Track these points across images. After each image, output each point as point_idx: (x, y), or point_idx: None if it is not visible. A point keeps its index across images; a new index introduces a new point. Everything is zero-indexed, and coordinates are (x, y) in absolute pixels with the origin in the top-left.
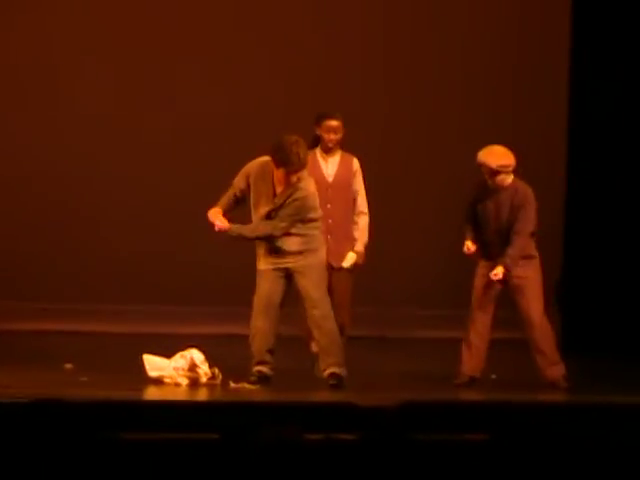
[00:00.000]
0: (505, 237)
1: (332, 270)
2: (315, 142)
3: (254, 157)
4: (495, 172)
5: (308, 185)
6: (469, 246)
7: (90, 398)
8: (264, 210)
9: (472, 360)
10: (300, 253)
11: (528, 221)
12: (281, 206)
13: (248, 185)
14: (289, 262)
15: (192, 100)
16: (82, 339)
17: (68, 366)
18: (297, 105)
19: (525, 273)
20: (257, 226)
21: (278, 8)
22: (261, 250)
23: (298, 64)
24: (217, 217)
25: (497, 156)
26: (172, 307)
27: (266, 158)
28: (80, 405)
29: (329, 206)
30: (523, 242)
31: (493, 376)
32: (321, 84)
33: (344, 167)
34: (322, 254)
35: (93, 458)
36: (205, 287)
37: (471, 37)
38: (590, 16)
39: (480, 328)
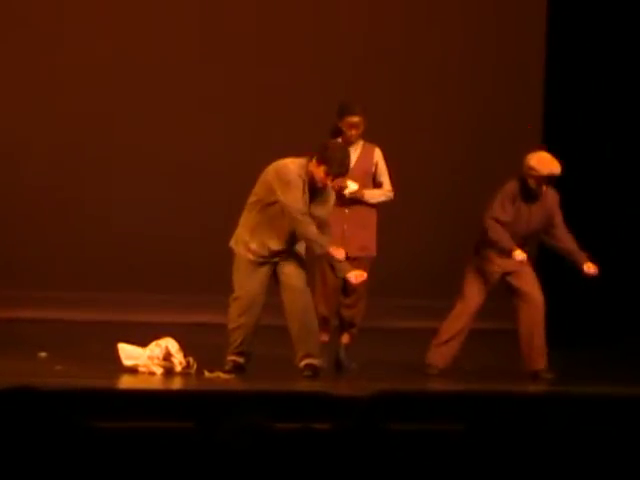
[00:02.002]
0: (527, 240)
1: (348, 259)
2: (336, 133)
3: (257, 148)
4: (547, 180)
5: (333, 194)
6: (522, 255)
7: (64, 386)
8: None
9: (448, 353)
10: (290, 246)
11: (562, 218)
12: (315, 207)
13: (304, 185)
14: (280, 256)
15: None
16: (56, 327)
17: (42, 354)
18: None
19: (523, 264)
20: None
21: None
22: (249, 240)
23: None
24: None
25: (555, 163)
26: (147, 295)
27: (300, 160)
28: (54, 393)
29: (347, 195)
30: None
31: (467, 367)
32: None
33: (365, 157)
34: (303, 245)
35: (67, 447)
36: (181, 275)
37: (448, 37)
38: (566, 16)
39: (464, 328)
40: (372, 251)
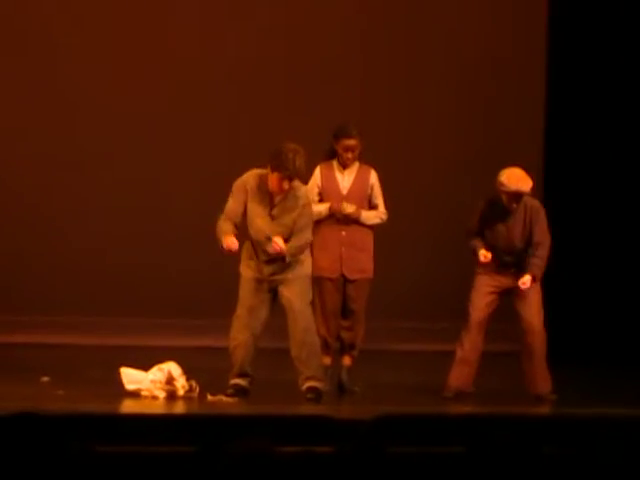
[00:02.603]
0: (515, 252)
1: (346, 282)
2: (332, 154)
3: (247, 163)
4: (515, 196)
5: (307, 193)
6: (486, 254)
7: (66, 411)
8: (261, 222)
9: (464, 374)
10: (286, 266)
11: (545, 232)
12: (282, 220)
13: (247, 198)
14: (276, 273)
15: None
16: (59, 352)
17: (45, 379)
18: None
19: (534, 285)
20: (300, 247)
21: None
22: (247, 257)
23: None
24: (276, 240)
25: (526, 180)
26: (150, 320)
27: (259, 170)
28: (56, 418)
29: (343, 217)
30: (547, 252)
31: (472, 389)
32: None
33: (360, 179)
34: (308, 265)
35: (70, 472)
36: (183, 299)
37: (450, 38)
38: (566, 17)
39: (477, 343)
40: (370, 273)
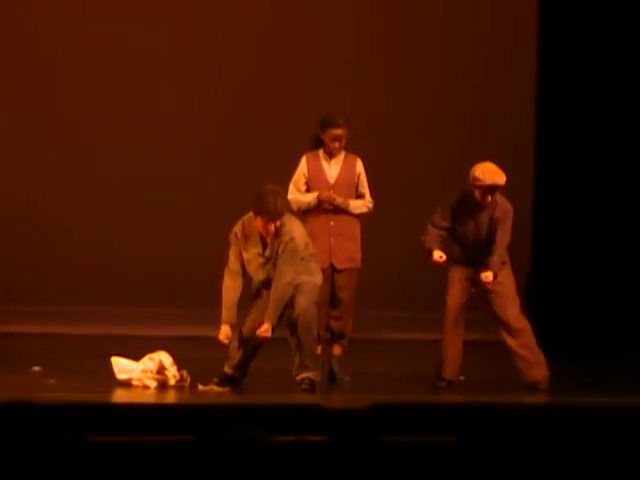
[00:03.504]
0: (483, 246)
1: (335, 272)
2: (318, 143)
3: (247, 164)
4: (491, 189)
5: (292, 227)
6: (441, 255)
7: (58, 400)
8: (260, 264)
9: (452, 364)
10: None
11: (507, 234)
12: (275, 257)
13: (240, 243)
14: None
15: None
16: (50, 341)
17: (36, 369)
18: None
19: (501, 278)
20: (280, 299)
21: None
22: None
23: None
24: (264, 330)
25: (500, 174)
26: (140, 309)
27: (248, 215)
28: (48, 407)
29: (331, 208)
30: (504, 250)
31: (462, 378)
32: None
33: (347, 169)
34: (318, 279)
35: (62, 461)
36: (174, 289)
37: (441, 32)
38: (557, 18)
39: (459, 331)
40: (358, 262)
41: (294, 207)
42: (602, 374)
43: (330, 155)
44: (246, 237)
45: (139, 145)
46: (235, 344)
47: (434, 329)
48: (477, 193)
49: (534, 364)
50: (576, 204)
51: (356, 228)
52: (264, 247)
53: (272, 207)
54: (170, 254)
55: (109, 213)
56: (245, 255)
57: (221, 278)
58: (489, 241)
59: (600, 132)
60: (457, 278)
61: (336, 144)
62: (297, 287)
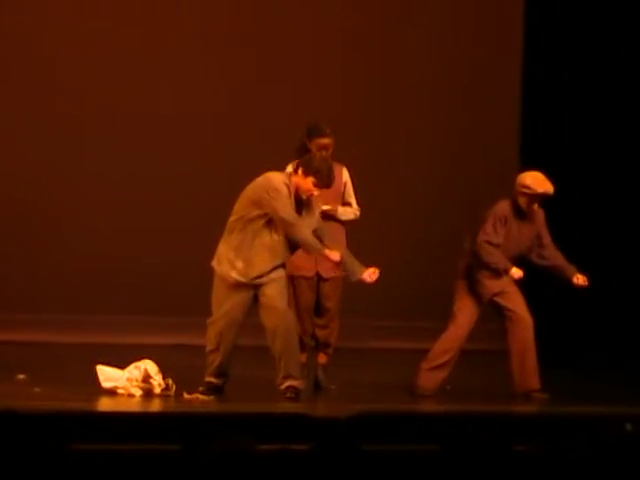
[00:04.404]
0: (518, 260)
1: (320, 280)
2: (303, 152)
3: (235, 168)
4: (539, 198)
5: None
6: (518, 271)
7: (43, 409)
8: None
9: (441, 375)
10: (273, 270)
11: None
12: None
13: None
14: (262, 279)
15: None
16: (35, 350)
17: (21, 377)
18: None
19: (506, 281)
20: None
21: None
22: (234, 258)
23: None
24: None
25: (548, 182)
26: (126, 317)
27: (283, 174)
28: (32, 416)
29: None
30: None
31: (448, 387)
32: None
33: (335, 177)
34: (286, 267)
35: (47, 470)
36: (159, 297)
37: (428, 43)
38: (542, 17)
39: (460, 344)
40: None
41: None
42: (590, 383)
43: None
44: (289, 194)
45: (135, 149)
46: (211, 347)
47: (420, 338)
48: (523, 201)
49: (531, 372)
50: (562, 204)
51: (342, 237)
52: (296, 205)
53: (330, 174)
54: (157, 262)
55: (95, 222)
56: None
57: (208, 288)
58: (529, 249)
59: (587, 133)
60: (474, 296)
61: (322, 153)
62: (270, 283)
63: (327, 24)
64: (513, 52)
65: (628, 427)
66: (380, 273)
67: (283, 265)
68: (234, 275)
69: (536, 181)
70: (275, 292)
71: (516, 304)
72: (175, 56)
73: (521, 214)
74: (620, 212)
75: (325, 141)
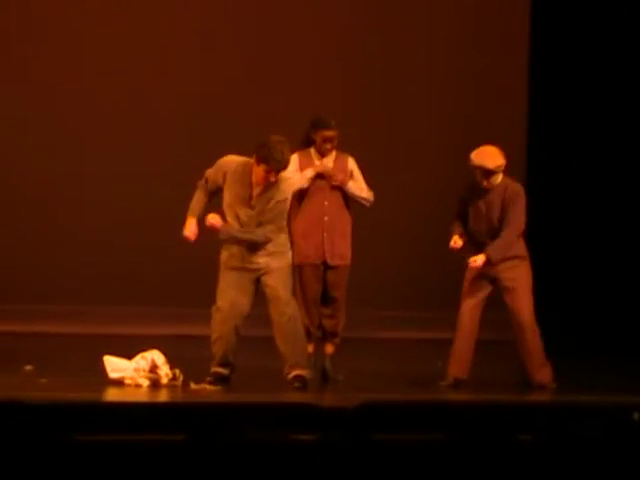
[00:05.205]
0: (495, 236)
1: (326, 269)
2: (309, 142)
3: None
4: (491, 172)
5: (288, 188)
6: (456, 240)
7: (50, 400)
8: (241, 212)
9: (457, 362)
10: (270, 255)
11: (518, 215)
12: (261, 210)
13: (224, 181)
14: (259, 263)
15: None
16: (42, 340)
17: (28, 368)
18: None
19: (516, 274)
20: (251, 231)
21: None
22: (232, 247)
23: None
24: (213, 216)
25: (492, 157)
26: (133, 308)
27: (244, 158)
28: (40, 407)
29: (326, 203)
30: (512, 236)
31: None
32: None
33: (339, 167)
34: (289, 256)
35: (53, 460)
36: (166, 288)
37: (434, 36)
38: (549, 16)
39: (469, 329)
40: (349, 260)
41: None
42: (597, 373)
43: (322, 155)
44: (239, 179)
45: (135, 142)
46: (215, 335)
47: (427, 328)
48: (476, 175)
49: (542, 365)
50: (569, 201)
51: (348, 226)
52: (251, 196)
53: (280, 156)
54: (163, 254)
55: (99, 213)
56: (230, 196)
57: (214, 278)
58: (499, 228)
59: (594, 130)
60: (472, 276)
61: (328, 145)
62: (271, 274)
63: (328, 20)
64: (519, 52)
65: (636, 416)
66: (386, 263)
67: (284, 252)
68: (233, 262)
69: (478, 154)
70: (277, 282)
71: (515, 302)
72: (175, 50)
73: (481, 189)
74: (633, 200)
75: (330, 133)
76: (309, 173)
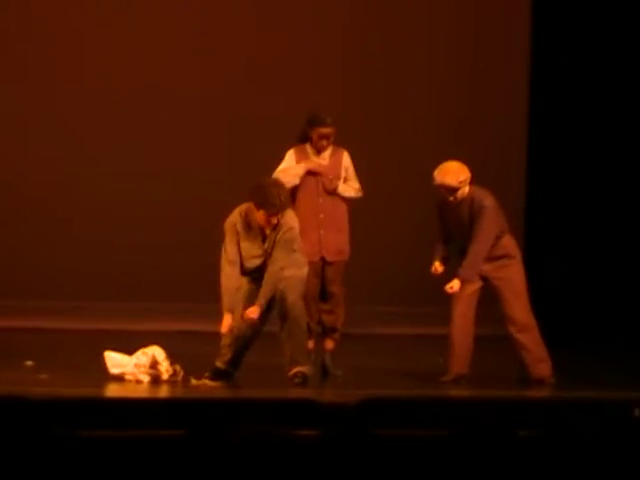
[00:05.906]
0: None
1: (325, 265)
2: (305, 138)
3: (239, 155)
4: (455, 189)
5: (291, 217)
6: (437, 267)
7: (50, 395)
8: (257, 255)
9: (457, 358)
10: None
11: (482, 229)
12: (272, 247)
13: (238, 236)
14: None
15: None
16: (43, 336)
17: (28, 363)
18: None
19: (505, 274)
20: (272, 283)
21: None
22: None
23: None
24: (252, 310)
25: (455, 173)
26: (133, 303)
27: (245, 205)
28: (40, 402)
29: (321, 200)
30: (479, 251)
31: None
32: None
33: (334, 162)
34: (305, 271)
35: (54, 456)
36: (167, 283)
37: (434, 36)
38: (550, 16)
39: (462, 325)
40: (346, 255)
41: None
42: (598, 368)
43: (318, 151)
44: (245, 228)
45: (137, 141)
46: (227, 341)
47: (427, 324)
48: (447, 195)
49: (540, 360)
50: (569, 200)
51: (345, 220)
52: (263, 239)
53: (277, 200)
54: (163, 249)
55: (100, 209)
56: (246, 247)
57: (215, 272)
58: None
59: (594, 130)
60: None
61: (324, 142)
62: (284, 281)
63: (329, 20)
64: (519, 52)
65: (637, 412)
66: (386, 259)
67: (299, 266)
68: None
69: (439, 172)
70: (287, 287)
71: (509, 304)
72: (175, 50)
73: (454, 205)
74: (632, 196)
75: (326, 130)
76: (300, 170)
